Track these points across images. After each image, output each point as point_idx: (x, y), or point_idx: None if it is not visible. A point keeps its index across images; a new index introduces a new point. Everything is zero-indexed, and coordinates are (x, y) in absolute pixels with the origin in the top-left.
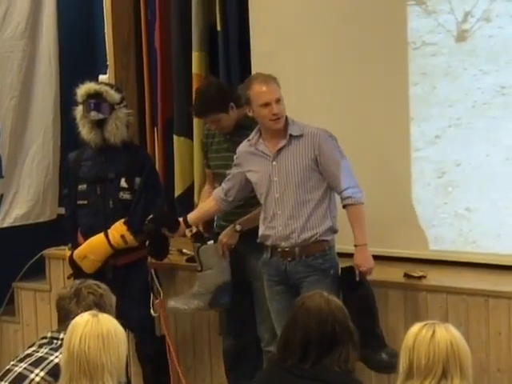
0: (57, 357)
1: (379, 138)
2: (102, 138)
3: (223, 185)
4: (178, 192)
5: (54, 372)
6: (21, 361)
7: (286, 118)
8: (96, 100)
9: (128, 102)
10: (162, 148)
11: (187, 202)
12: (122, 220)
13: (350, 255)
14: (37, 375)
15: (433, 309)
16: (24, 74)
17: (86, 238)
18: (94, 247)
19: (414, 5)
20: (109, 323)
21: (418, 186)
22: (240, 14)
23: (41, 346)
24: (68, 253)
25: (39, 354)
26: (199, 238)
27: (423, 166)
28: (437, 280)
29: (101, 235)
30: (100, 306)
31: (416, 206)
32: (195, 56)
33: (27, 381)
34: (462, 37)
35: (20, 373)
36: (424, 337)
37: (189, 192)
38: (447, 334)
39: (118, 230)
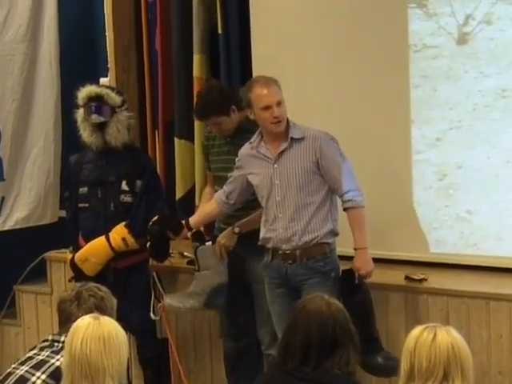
0: (58, 360)
1: (380, 140)
2: (103, 140)
3: (225, 187)
4: (179, 195)
5: (56, 375)
6: (22, 364)
7: (288, 120)
8: (97, 103)
9: (129, 104)
10: (162, 151)
11: (188, 204)
12: (123, 223)
13: (350, 258)
14: (38, 378)
15: (434, 312)
16: (25, 77)
17: (87, 240)
18: (95, 250)
19: (414, 7)
20: (110, 326)
21: (418, 188)
22: (241, 17)
23: (42, 349)
24: (69, 256)
25: (40, 357)
26: (199, 238)
27: (424, 169)
28: (438, 283)
29: (102, 238)
30: (101, 309)
31: (417, 209)
32: (196, 59)
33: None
34: (462, 39)
35: (21, 376)
36: (425, 339)
37: (190, 195)
38: (448, 336)
39: (119, 232)
